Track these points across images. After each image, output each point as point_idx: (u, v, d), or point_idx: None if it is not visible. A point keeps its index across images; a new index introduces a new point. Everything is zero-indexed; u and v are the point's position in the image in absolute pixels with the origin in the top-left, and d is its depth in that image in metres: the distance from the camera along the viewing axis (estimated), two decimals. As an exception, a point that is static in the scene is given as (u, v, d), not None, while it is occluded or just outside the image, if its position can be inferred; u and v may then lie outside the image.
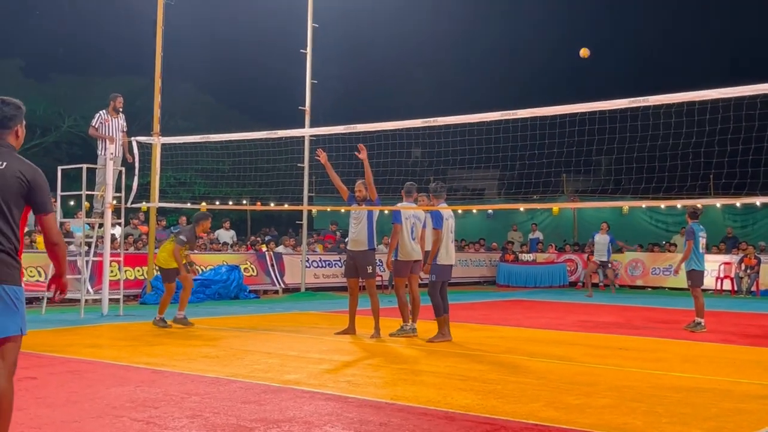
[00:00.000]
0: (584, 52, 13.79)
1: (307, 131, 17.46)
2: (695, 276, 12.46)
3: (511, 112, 10.84)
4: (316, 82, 19.93)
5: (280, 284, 19.89)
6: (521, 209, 28.28)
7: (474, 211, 30.21)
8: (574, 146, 13.07)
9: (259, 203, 24.12)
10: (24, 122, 4.55)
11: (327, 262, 21.34)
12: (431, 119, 11.84)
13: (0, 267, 4.24)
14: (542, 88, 43.07)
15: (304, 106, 19.64)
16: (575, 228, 28.91)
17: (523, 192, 16.63)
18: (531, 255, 25.96)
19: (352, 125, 13.04)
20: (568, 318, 14.36)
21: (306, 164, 19.50)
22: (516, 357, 9.11)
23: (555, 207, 27.20)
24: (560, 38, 48.20)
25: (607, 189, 15.86)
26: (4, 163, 4.31)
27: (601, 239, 21.61)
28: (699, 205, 12.85)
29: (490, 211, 30.29)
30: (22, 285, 4.36)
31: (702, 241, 12.58)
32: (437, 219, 10.53)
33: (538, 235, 27.75)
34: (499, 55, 50.16)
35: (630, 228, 27.83)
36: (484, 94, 42.23)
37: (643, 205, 26.23)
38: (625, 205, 24.61)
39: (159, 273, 13.18)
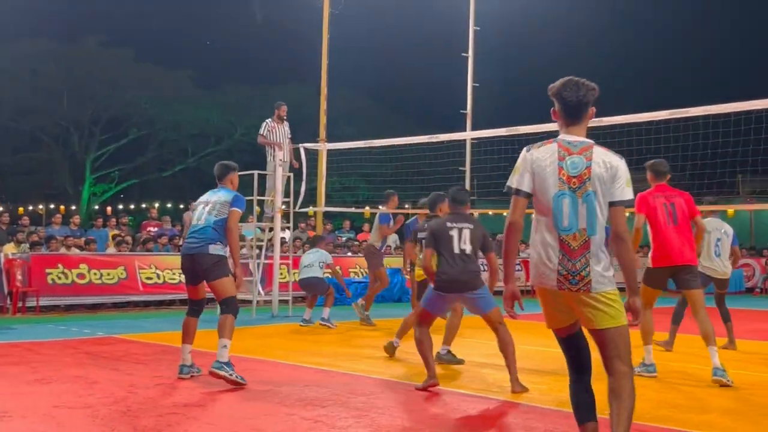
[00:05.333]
0: None
1: (468, 134, 17.42)
2: None
3: (681, 110, 10.43)
4: (477, 85, 19.87)
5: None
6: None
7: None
8: (750, 145, 12.39)
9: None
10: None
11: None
12: (596, 119, 11.54)
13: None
14: (712, 84, 41.10)
15: (466, 110, 19.62)
16: (752, 231, 27.40)
17: (696, 193, 15.88)
18: (704, 259, 24.79)
19: (514, 127, 12.94)
20: (744, 325, 13.60)
21: (468, 167, 19.47)
22: (688, 365, 8.73)
23: (730, 209, 25.85)
24: (731, 26, 45.98)
25: (787, 189, 14.91)
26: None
27: None
28: None
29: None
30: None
31: None
32: None
33: (712, 238, 26.46)
34: (666, 53, 48.32)
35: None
36: (651, 94, 40.77)
37: (829, 206, 24.54)
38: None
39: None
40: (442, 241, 7.31)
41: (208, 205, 7.47)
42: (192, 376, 7.34)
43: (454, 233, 7.31)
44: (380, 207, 13.62)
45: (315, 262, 13.01)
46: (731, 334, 10.41)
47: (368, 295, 12.86)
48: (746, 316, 15.72)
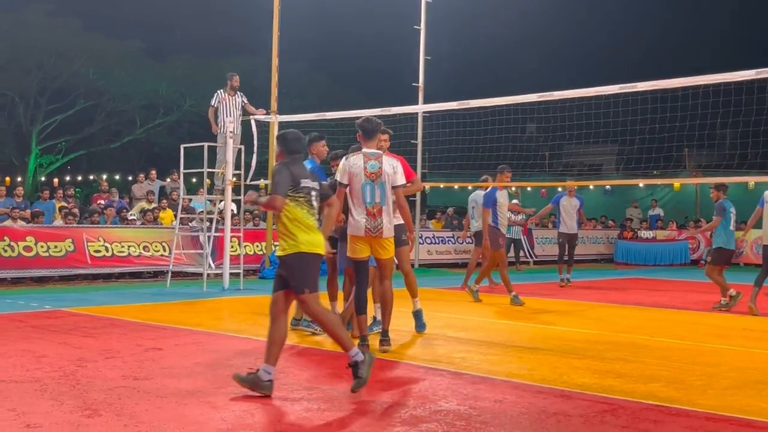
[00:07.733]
0: None
1: (420, 108, 17.45)
2: (723, 255, 12.03)
3: (630, 85, 10.54)
4: (429, 58, 19.88)
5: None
6: (641, 185, 27.52)
7: (591, 187, 29.60)
8: (697, 119, 12.62)
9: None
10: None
11: (440, 239, 21.36)
12: (547, 93, 11.65)
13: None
14: (662, 59, 41.62)
15: (418, 83, 19.63)
16: (697, 204, 27.91)
17: (643, 167, 16.16)
18: (651, 232, 25.25)
19: (465, 101, 12.98)
20: (690, 297, 13.94)
21: (419, 141, 19.53)
22: (635, 336, 8.92)
23: (676, 182, 26.33)
24: (683, 7, 46.52)
25: (731, 164, 15.23)
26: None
27: (570, 204, 15.99)
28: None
29: (607, 186, 29.59)
30: None
31: (732, 218, 12.44)
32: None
33: (659, 211, 26.95)
34: (617, 27, 48.76)
35: (755, 204, 26.64)
36: (602, 67, 41.15)
37: (771, 180, 25.09)
38: (751, 180, 23.57)
39: None
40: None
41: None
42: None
43: None
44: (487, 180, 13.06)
45: None
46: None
47: (483, 272, 12.87)
48: (691, 287, 16.07)
